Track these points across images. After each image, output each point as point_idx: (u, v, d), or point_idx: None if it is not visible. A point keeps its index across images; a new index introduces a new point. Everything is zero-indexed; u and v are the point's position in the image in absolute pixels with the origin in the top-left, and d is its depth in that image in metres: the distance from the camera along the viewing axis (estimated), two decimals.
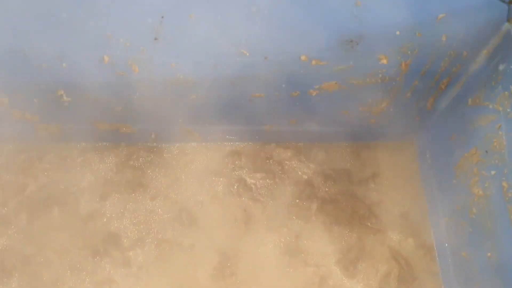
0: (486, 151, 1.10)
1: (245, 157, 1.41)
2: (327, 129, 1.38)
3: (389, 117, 1.32)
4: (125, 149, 1.39)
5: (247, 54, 1.07)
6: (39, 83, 1.15)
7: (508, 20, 1.01)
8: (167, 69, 1.11)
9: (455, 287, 1.22)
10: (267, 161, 1.41)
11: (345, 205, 1.34)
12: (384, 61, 1.11)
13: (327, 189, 1.37)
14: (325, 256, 1.29)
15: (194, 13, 0.97)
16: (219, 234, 1.31)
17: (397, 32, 1.03)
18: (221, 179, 1.38)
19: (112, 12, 0.96)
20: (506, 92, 1.03)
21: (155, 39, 1.02)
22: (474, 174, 1.14)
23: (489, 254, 1.09)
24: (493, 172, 1.08)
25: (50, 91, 1.17)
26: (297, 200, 1.35)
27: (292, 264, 1.28)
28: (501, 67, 1.05)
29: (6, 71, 1.11)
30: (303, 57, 1.09)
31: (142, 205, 1.33)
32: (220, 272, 1.26)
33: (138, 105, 1.23)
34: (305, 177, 1.39)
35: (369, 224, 1.33)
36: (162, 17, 0.97)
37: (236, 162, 1.40)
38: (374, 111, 1.29)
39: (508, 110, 1.03)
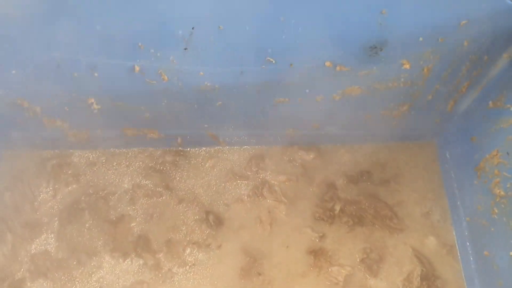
0: (508, 153, 1.12)
1: (268, 160, 1.44)
2: (349, 132, 1.41)
3: (410, 119, 1.35)
4: (152, 154, 1.43)
5: (273, 61, 1.10)
6: (71, 92, 1.18)
7: None
8: (195, 77, 1.14)
9: (478, 285, 1.25)
10: (290, 163, 1.44)
11: (368, 206, 1.37)
12: (407, 66, 1.13)
13: (349, 190, 1.40)
14: (348, 256, 1.32)
15: (223, 25, 1.00)
16: (245, 235, 1.35)
17: (420, 38, 1.05)
18: (246, 181, 1.41)
19: (144, 24, 0.99)
20: None
21: (185, 49, 1.05)
22: (496, 175, 1.17)
23: (511, 253, 1.12)
24: None
25: (81, 99, 1.21)
26: (320, 202, 1.39)
27: (317, 264, 1.31)
28: None
29: (40, 81, 1.14)
30: (327, 63, 1.12)
31: (170, 208, 1.37)
32: (248, 272, 1.29)
33: (165, 112, 1.27)
34: (328, 178, 1.42)
35: (391, 224, 1.35)
36: (193, 28, 1.01)
37: (260, 164, 1.43)
38: (396, 114, 1.32)
39: None
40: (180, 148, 1.44)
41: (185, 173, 1.42)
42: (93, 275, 1.28)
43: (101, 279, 1.28)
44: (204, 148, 1.45)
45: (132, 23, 0.99)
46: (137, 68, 1.10)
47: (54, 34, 1.01)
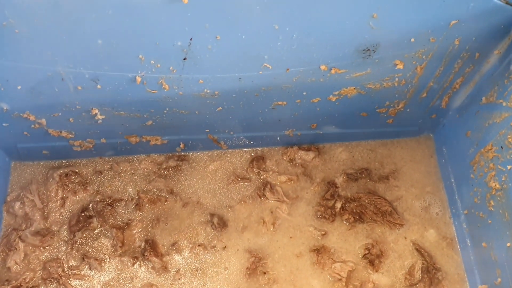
0: (502, 147, 1.16)
1: (269, 161, 1.48)
2: (346, 131, 1.44)
3: (405, 116, 1.38)
4: (156, 160, 1.47)
5: (270, 67, 1.13)
6: (75, 104, 1.22)
7: None
8: (195, 85, 1.17)
9: (477, 276, 1.29)
10: (290, 163, 1.48)
11: (368, 202, 1.40)
12: (400, 66, 1.16)
13: (349, 188, 1.44)
14: (351, 252, 1.36)
15: (220, 35, 1.03)
16: (249, 236, 1.38)
17: (412, 40, 1.08)
18: (248, 183, 1.45)
19: (144, 37, 1.03)
20: None
21: (184, 59, 1.08)
22: (491, 169, 1.20)
23: (508, 244, 1.15)
24: (509, 167, 1.13)
25: (85, 110, 1.24)
26: (321, 200, 1.42)
27: (320, 261, 1.34)
28: None
29: (45, 95, 1.17)
30: (322, 67, 1.15)
31: (175, 212, 1.41)
32: (253, 271, 1.33)
33: (167, 119, 1.30)
34: (328, 177, 1.46)
35: (391, 219, 1.39)
36: (191, 39, 1.04)
37: (261, 166, 1.47)
38: (391, 112, 1.35)
39: None
40: (182, 153, 1.48)
41: (188, 177, 1.45)
42: (104, 280, 1.32)
43: (111, 282, 1.32)
44: (206, 152, 1.49)
45: (132, 36, 1.03)
46: (138, 79, 1.13)
47: (58, 49, 1.05)
